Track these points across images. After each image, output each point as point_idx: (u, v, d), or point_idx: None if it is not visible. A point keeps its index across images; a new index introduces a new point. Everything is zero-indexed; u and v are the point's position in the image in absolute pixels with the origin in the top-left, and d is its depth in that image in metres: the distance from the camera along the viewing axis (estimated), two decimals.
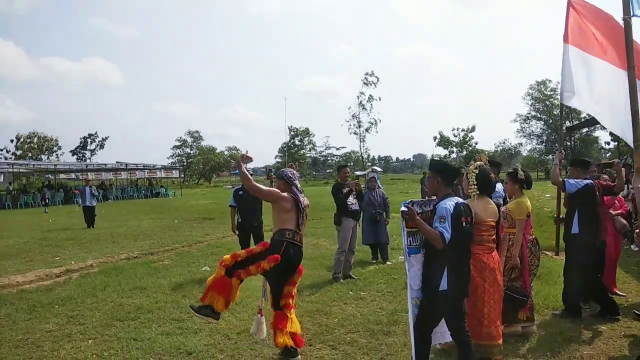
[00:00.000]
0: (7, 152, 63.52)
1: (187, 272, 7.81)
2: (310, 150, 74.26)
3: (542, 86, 61.95)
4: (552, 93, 61.46)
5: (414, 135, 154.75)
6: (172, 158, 73.12)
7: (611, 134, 55.04)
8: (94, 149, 69.12)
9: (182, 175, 64.62)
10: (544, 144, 63.28)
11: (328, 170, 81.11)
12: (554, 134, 61.68)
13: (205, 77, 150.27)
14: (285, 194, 4.24)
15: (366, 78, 66.18)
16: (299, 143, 71.81)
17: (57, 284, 7.25)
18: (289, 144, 70.33)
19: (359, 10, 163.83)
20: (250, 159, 4.34)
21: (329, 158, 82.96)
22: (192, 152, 73.71)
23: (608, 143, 57.72)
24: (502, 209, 4.71)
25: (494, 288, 3.90)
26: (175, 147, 73.69)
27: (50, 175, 42.89)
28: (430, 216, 3.50)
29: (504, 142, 67.49)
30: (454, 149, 64.80)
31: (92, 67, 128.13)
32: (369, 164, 70.76)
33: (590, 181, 5.11)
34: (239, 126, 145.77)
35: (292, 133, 70.33)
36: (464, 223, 3.42)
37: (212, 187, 61.66)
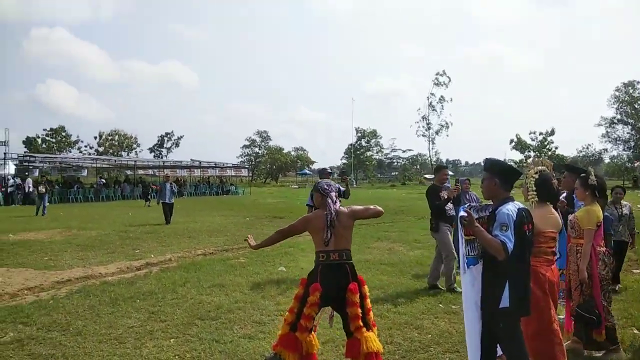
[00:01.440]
0: (91, 148, 68.16)
1: (264, 272, 7.59)
2: (377, 153, 73.44)
3: (629, 88, 57.39)
4: None
5: (484, 139, 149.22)
6: (242, 157, 75.14)
7: None
8: (170, 147, 72.69)
9: (251, 174, 66.21)
10: (631, 150, 58.52)
11: (393, 173, 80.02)
12: None
13: (274, 78, 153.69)
14: (313, 213, 3.90)
15: (437, 78, 64.52)
16: (366, 144, 71.20)
17: (138, 278, 7.27)
18: (355, 145, 69.87)
19: (428, 9, 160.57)
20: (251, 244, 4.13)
21: (394, 160, 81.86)
22: (260, 151, 75.27)
23: None
24: (570, 217, 4.33)
25: (555, 303, 3.56)
26: (245, 146, 75.65)
27: (129, 171, 45.34)
28: (486, 223, 3.11)
29: (587, 147, 63.02)
30: (531, 153, 61.42)
31: (169, 69, 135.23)
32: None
33: None
34: (303, 127, 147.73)
35: (358, 134, 69.91)
36: (527, 231, 3.04)
37: (279, 186, 62.55)
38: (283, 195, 38.16)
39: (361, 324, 3.67)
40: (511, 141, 61.75)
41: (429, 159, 67.96)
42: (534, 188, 3.58)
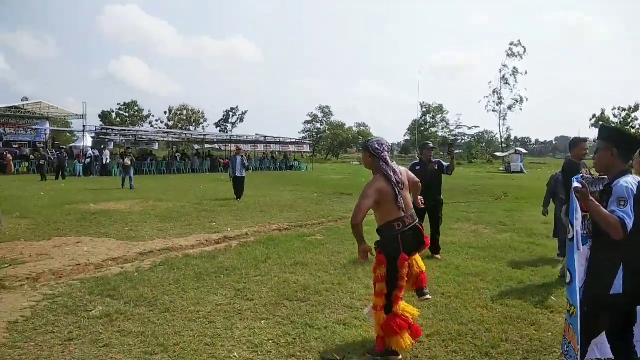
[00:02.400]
0: (161, 122, 70.77)
1: (345, 251, 7.22)
2: (442, 129, 71.03)
3: None
4: None
5: (556, 116, 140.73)
6: (303, 133, 75.29)
7: None
8: (235, 122, 74.09)
9: (312, 150, 66.27)
10: None
11: (457, 151, 76.94)
12: None
13: (337, 53, 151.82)
14: (378, 183, 3.45)
15: (511, 49, 60.86)
16: (431, 120, 68.97)
17: (219, 252, 7.13)
18: (420, 120, 67.88)
19: None
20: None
21: (459, 137, 78.81)
22: (322, 127, 75.04)
23: None
24: None
25: None
26: (307, 122, 75.70)
27: (196, 145, 46.59)
28: (599, 198, 2.77)
29: None
30: None
31: (234, 45, 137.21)
32: (505, 145, 65.53)
33: None
34: (366, 102, 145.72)
35: (423, 109, 67.77)
36: None
37: (340, 162, 62.25)
38: (345, 171, 37.84)
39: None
40: (593, 116, 57.50)
41: (499, 135, 64.83)
42: None
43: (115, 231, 8.88)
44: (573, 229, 2.70)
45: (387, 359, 3.54)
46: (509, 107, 62.10)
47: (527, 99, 61.37)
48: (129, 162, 19.02)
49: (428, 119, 69.28)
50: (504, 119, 63.16)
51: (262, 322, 4.30)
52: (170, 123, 70.32)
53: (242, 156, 15.42)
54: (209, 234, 8.75)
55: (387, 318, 3.48)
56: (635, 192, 2.62)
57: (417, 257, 3.73)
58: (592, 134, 58.14)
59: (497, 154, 58.82)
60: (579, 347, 2.60)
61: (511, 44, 60.84)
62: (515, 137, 63.82)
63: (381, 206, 3.52)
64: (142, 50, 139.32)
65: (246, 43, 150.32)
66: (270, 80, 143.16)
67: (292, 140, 50.13)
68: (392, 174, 3.54)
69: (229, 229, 9.21)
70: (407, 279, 3.57)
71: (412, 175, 3.89)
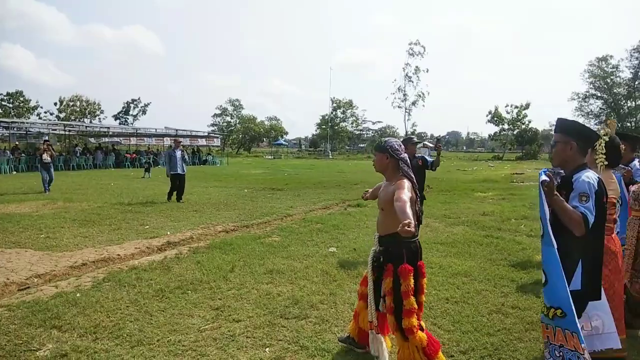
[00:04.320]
0: (51, 114, 64.25)
1: (314, 254, 6.59)
2: (352, 124, 72.47)
3: (602, 63, 58.14)
4: (613, 70, 57.73)
5: (448, 112, 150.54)
6: (212, 126, 72.57)
7: None
8: (137, 114, 69.38)
9: (223, 144, 64.08)
10: (602, 124, 59.77)
11: (361, 145, 79.22)
12: (613, 113, 58.13)
13: (244, 49, 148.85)
14: (408, 186, 3.06)
15: (411, 48, 63.54)
16: (342, 115, 70.02)
17: (170, 261, 6.14)
18: (331, 115, 68.62)
19: None
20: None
21: (364, 132, 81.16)
22: (232, 120, 72.91)
23: None
24: (633, 188, 3.99)
25: (615, 275, 3.14)
26: (216, 115, 73.07)
27: (92, 139, 42.76)
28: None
29: None
30: (506, 126, 61.94)
31: (132, 35, 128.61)
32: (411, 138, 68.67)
33: None
34: (274, 98, 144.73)
35: (334, 105, 68.59)
36: (604, 203, 2.67)
37: (253, 156, 60.95)
38: (263, 166, 36.91)
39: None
40: (488, 113, 61.93)
41: (405, 130, 67.53)
42: (604, 151, 3.13)
43: (29, 239, 7.43)
44: (543, 224, 2.53)
45: None
46: (413, 103, 64.88)
47: (428, 94, 64.58)
48: (49, 159, 15.09)
49: (339, 114, 70.20)
50: (409, 114, 65.84)
51: (266, 349, 3.56)
52: (62, 115, 63.98)
53: (182, 150, 13.20)
54: (147, 239, 7.64)
55: (425, 337, 3.05)
56: (596, 188, 2.58)
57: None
58: (489, 129, 62.88)
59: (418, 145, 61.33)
60: (583, 345, 2.42)
61: (410, 43, 63.53)
62: (413, 132, 66.62)
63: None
64: (26, 37, 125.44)
65: (146, 33, 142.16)
66: (173, 73, 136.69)
67: (202, 134, 48.02)
68: (411, 175, 3.20)
69: (167, 233, 8.14)
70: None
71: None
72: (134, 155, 32.58)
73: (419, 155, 6.80)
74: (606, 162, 3.18)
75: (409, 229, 2.57)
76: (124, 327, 3.92)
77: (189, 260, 6.17)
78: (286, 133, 72.86)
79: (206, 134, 49.83)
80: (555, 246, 2.49)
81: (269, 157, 58.99)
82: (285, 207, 11.75)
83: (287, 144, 65.93)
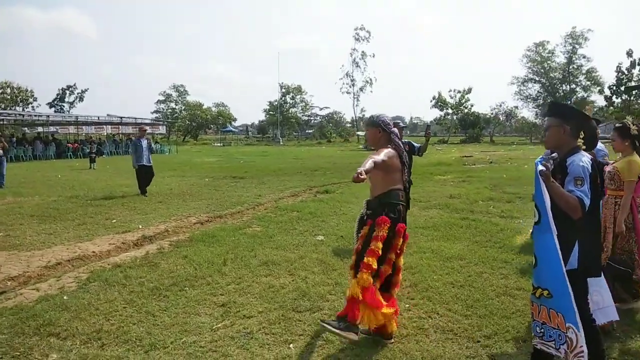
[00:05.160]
0: None
1: (303, 243, 6.47)
2: (302, 110, 72.10)
3: (540, 48, 60.96)
4: (549, 55, 60.66)
5: (391, 97, 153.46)
6: (156, 113, 69.89)
7: (607, 98, 54.88)
8: (73, 101, 65.60)
9: (168, 131, 61.93)
10: (539, 108, 62.92)
11: (309, 131, 79.19)
12: (550, 97, 61.27)
13: (183, 31, 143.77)
14: (390, 151, 3.36)
15: (357, 33, 63.89)
16: (291, 101, 69.48)
17: (154, 257, 5.82)
18: (280, 101, 67.92)
19: None
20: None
21: (312, 118, 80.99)
22: (177, 107, 70.54)
23: (601, 108, 57.77)
24: (608, 168, 4.06)
25: None
26: (159, 101, 70.41)
27: (25, 129, 40.03)
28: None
29: (500, 105, 66.52)
30: (449, 110, 63.79)
31: (62, 17, 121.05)
32: (351, 125, 69.11)
33: None
34: (218, 83, 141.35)
35: (283, 90, 67.89)
36: (599, 185, 2.78)
37: (201, 144, 59.38)
38: (215, 154, 36.00)
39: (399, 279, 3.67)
40: (433, 98, 63.49)
41: (354, 115, 68.11)
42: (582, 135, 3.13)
43: None
44: (540, 211, 2.63)
45: (345, 332, 3.12)
46: (361, 89, 65.45)
47: (376, 80, 65.30)
48: (1, 151, 13.67)
49: (288, 100, 69.61)
50: (357, 99, 66.39)
51: (291, 345, 3.43)
52: None
53: (148, 139, 12.27)
54: (118, 234, 7.22)
55: (371, 286, 3.17)
56: (590, 171, 2.63)
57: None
58: (431, 114, 64.50)
59: (359, 133, 61.72)
60: (568, 324, 2.55)
61: (356, 28, 64.02)
62: (359, 118, 67.49)
63: (388, 174, 3.38)
64: None
65: (78, 15, 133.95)
66: (108, 57, 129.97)
67: (146, 121, 46.11)
68: (401, 150, 3.49)
69: (139, 226, 7.73)
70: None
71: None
72: (77, 145, 30.82)
73: (406, 140, 6.76)
74: (584, 146, 3.27)
75: (357, 175, 2.88)
76: (129, 331, 3.65)
77: (175, 255, 5.88)
78: (234, 119, 71.46)
79: (149, 120, 47.91)
80: (555, 233, 2.55)
81: (218, 144, 57.70)
82: (253, 195, 11.50)
83: (236, 130, 64.63)
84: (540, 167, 2.58)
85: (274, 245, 6.29)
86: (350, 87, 65.25)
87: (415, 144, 6.52)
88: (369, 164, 3.10)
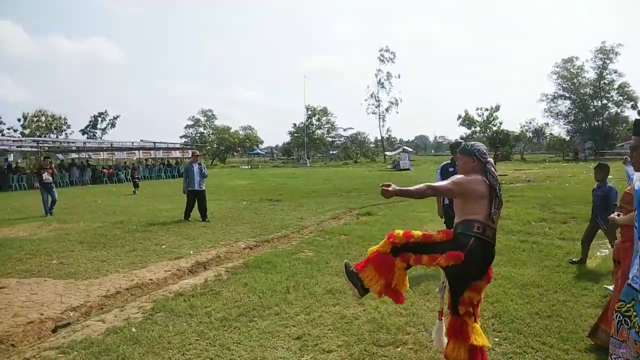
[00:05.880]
0: (14, 131, 61.55)
1: None
2: (328, 131, 72.28)
3: (568, 64, 59.96)
4: (579, 71, 59.57)
5: (415, 117, 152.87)
6: (185, 137, 71.08)
7: None
8: (105, 127, 67.40)
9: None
10: (571, 124, 61.59)
11: (333, 152, 79.24)
12: (581, 113, 59.95)
13: (209, 57, 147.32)
14: (473, 176, 3.04)
15: (382, 55, 64.08)
16: (317, 122, 69.81)
17: (214, 284, 5.68)
18: (307, 123, 68.32)
19: None
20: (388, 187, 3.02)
21: (335, 139, 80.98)
22: (205, 131, 71.61)
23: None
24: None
25: None
26: (188, 126, 71.61)
27: (60, 155, 41.05)
28: None
29: (529, 122, 65.27)
30: (477, 129, 63.00)
31: (93, 46, 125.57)
32: (374, 145, 69.00)
33: None
34: (243, 106, 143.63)
35: (309, 112, 68.34)
36: None
37: (229, 167, 59.98)
38: (244, 176, 36.24)
39: (476, 312, 3.08)
40: (459, 117, 62.89)
41: (381, 136, 67.86)
42: None
43: (41, 266, 6.83)
44: None
45: (352, 280, 3.20)
46: (387, 109, 65.29)
47: (401, 100, 65.18)
48: (50, 178, 13.32)
49: (314, 121, 69.98)
50: (383, 120, 66.20)
51: None
52: (27, 131, 61.40)
53: (200, 164, 11.85)
54: (171, 260, 7.13)
55: (387, 253, 3.05)
56: None
57: (478, 327, 3.08)
58: (456, 133, 63.89)
59: (388, 153, 61.59)
60: None
61: (381, 50, 64.08)
62: (382, 137, 67.25)
63: (469, 201, 3.02)
64: None
65: (106, 43, 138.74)
66: (138, 84, 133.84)
67: (177, 146, 46.94)
68: (496, 182, 3.08)
69: (190, 252, 7.64)
70: (432, 262, 3.03)
71: None
72: (112, 170, 31.41)
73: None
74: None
75: (385, 189, 2.95)
76: None
77: (234, 282, 5.73)
78: (261, 142, 72.14)
79: (179, 145, 48.73)
80: None
81: (245, 167, 58.13)
82: (295, 218, 11.35)
83: (264, 153, 65.12)
84: None
85: (333, 272, 6.08)
86: (376, 107, 65.21)
87: None
88: (432, 187, 3.05)
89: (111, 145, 34.92)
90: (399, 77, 65.02)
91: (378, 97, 64.88)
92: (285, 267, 6.35)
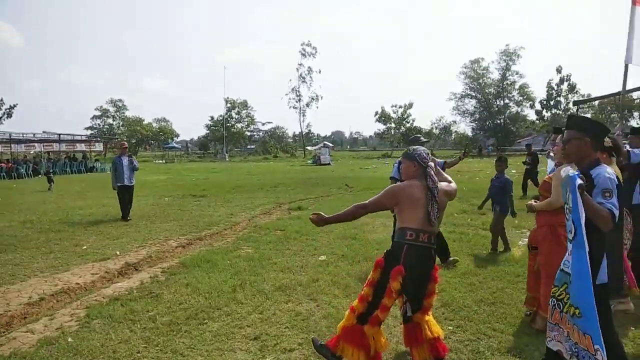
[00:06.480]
0: None
1: (307, 264, 6.18)
2: (248, 125, 71.21)
3: (475, 65, 64.14)
4: (484, 72, 63.95)
5: (332, 113, 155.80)
6: (91, 130, 66.42)
7: (538, 112, 58.48)
8: (1, 117, 61.06)
9: (105, 149, 58.97)
10: (476, 122, 65.99)
11: (251, 147, 78.31)
12: (485, 111, 64.43)
13: (117, 46, 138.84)
14: (406, 183, 3.14)
15: (303, 49, 64.41)
16: (237, 116, 68.49)
17: (152, 286, 5.33)
18: (226, 116, 66.82)
19: None
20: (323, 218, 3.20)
21: (254, 133, 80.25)
22: (115, 123, 67.48)
23: (533, 122, 61.56)
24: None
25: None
26: (96, 117, 67.05)
27: None
28: None
29: (439, 120, 69.03)
30: (392, 125, 65.45)
31: None
32: (292, 140, 69.37)
33: None
34: (155, 97, 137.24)
35: (228, 105, 66.86)
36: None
37: (142, 161, 56.97)
38: (161, 171, 34.74)
39: (428, 313, 3.21)
40: (376, 113, 64.91)
41: (301, 130, 68.14)
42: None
43: None
44: (576, 227, 2.57)
45: (322, 353, 3.25)
46: (307, 104, 65.73)
47: (322, 97, 66.06)
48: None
49: (233, 115, 68.55)
50: (304, 115, 66.57)
51: None
52: None
53: (129, 156, 10.95)
54: (97, 262, 6.60)
55: (353, 325, 3.11)
56: (616, 182, 2.65)
57: (432, 319, 3.21)
58: (371, 129, 66.05)
59: (309, 148, 61.84)
60: (596, 347, 2.49)
61: (302, 44, 64.44)
62: (300, 132, 67.52)
63: (403, 210, 3.12)
64: None
65: (2, 26, 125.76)
66: (38, 71, 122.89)
67: (82, 138, 43.75)
68: (436, 185, 3.13)
69: (117, 253, 7.13)
70: (394, 299, 3.07)
71: (448, 187, 3.31)
72: (11, 164, 28.53)
73: (451, 159, 6.56)
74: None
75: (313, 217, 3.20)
76: None
77: (174, 283, 5.41)
78: (177, 135, 69.36)
79: (85, 137, 45.48)
80: (587, 249, 2.52)
81: (160, 161, 55.62)
82: (225, 214, 11.03)
83: (179, 147, 62.54)
84: (579, 181, 2.52)
85: (278, 268, 5.96)
86: (296, 102, 65.36)
87: (439, 160, 6.37)
88: (364, 206, 3.14)
89: (10, 136, 31.70)
90: (319, 72, 65.64)
91: (299, 92, 65.12)
92: (227, 265, 6.13)
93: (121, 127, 66.04)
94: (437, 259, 4.20)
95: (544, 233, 3.89)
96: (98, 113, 67.11)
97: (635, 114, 52.54)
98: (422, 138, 6.30)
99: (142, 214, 11.25)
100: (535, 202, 4.00)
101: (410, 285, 3.02)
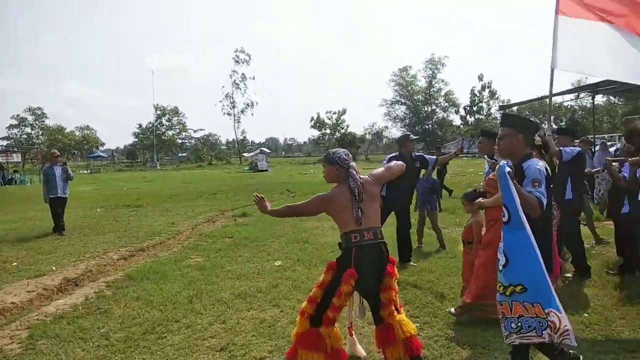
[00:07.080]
0: None
1: (263, 270, 6.02)
2: (179, 132, 69.07)
3: (404, 72, 66.46)
4: (412, 79, 66.44)
5: (265, 119, 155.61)
6: (7, 140, 61.61)
7: (462, 117, 61.54)
8: None
9: (23, 159, 54.90)
10: (406, 127, 68.28)
11: (182, 154, 76.16)
12: (415, 117, 66.89)
13: (34, 45, 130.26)
14: (330, 191, 3.22)
15: (237, 55, 63.75)
16: (167, 123, 66.25)
17: (99, 302, 4.96)
18: (156, 124, 64.46)
19: None
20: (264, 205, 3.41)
21: (186, 140, 78.14)
22: (34, 132, 62.99)
23: (458, 127, 64.73)
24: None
25: None
26: (12, 126, 62.28)
27: None
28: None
29: (372, 126, 70.73)
30: (327, 131, 66.20)
31: None
32: (226, 147, 68.24)
33: (580, 149, 5.46)
34: (76, 105, 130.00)
35: (158, 112, 64.54)
36: (550, 188, 2.99)
37: None
38: (86, 182, 32.76)
39: (394, 308, 3.19)
40: (312, 119, 65.40)
41: (235, 137, 67.11)
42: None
43: None
44: (510, 211, 2.75)
45: None
46: (242, 111, 64.95)
47: (257, 103, 65.49)
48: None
49: (164, 122, 66.20)
50: (239, 122, 65.65)
51: None
52: None
53: (63, 164, 10.23)
54: (31, 279, 6.09)
55: (308, 329, 3.11)
56: (545, 173, 2.88)
57: (404, 318, 3.20)
58: (305, 135, 66.60)
59: (245, 154, 60.70)
60: (547, 310, 2.66)
61: (236, 50, 63.75)
62: (233, 139, 66.68)
63: (336, 217, 3.18)
64: None
65: None
66: None
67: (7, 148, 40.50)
68: (357, 183, 3.16)
69: (53, 268, 6.60)
70: (347, 300, 3.17)
71: (379, 172, 3.42)
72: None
73: (418, 154, 6.49)
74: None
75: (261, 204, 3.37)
76: None
77: (123, 297, 5.07)
78: (102, 144, 65.92)
79: (3, 148, 42.16)
80: (528, 227, 2.68)
81: (84, 171, 52.57)
82: (165, 224, 10.58)
83: (105, 155, 59.38)
84: (508, 169, 2.71)
85: (233, 276, 5.77)
86: (231, 109, 64.32)
87: (427, 157, 6.43)
88: (291, 209, 3.34)
89: None
90: (253, 78, 65.08)
91: (233, 99, 64.18)
92: (178, 276, 5.85)
93: (40, 137, 61.75)
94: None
95: (494, 227, 4.05)
96: (15, 122, 62.41)
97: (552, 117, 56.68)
98: (411, 136, 6.35)
99: (73, 227, 10.49)
100: (483, 198, 4.18)
101: (362, 282, 3.02)
